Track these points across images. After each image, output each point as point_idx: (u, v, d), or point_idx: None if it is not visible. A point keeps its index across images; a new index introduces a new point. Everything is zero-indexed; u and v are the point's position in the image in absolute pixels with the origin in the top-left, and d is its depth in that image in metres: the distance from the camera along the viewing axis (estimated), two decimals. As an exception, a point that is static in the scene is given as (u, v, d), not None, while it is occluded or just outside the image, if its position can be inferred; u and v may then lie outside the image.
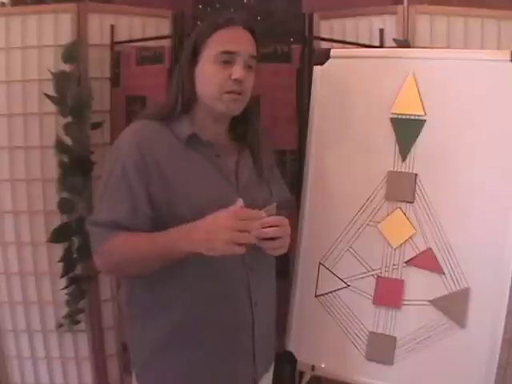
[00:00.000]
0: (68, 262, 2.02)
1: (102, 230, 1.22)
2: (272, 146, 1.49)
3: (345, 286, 1.54)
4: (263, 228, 1.19)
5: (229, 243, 1.11)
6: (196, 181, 1.25)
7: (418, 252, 1.45)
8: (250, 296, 1.30)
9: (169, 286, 1.25)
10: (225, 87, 1.23)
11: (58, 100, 1.95)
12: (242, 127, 1.35)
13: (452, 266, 1.41)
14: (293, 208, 1.56)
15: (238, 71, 1.23)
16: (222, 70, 1.23)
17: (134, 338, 1.36)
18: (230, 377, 1.31)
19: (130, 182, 1.21)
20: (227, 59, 1.23)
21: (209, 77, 1.25)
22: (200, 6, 2.73)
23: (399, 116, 1.47)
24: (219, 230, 1.12)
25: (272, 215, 1.22)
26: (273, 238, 1.21)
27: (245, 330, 1.31)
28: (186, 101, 1.27)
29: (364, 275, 1.51)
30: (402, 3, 2.00)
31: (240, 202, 1.18)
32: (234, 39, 1.24)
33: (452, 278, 1.42)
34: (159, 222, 1.23)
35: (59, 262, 2.02)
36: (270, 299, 1.40)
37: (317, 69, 1.59)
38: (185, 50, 1.31)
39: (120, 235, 1.21)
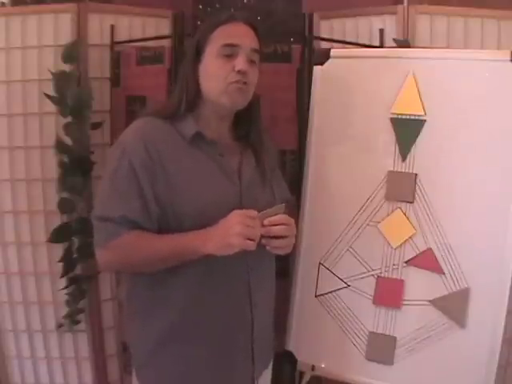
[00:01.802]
0: (68, 262, 2.02)
1: (113, 225, 1.21)
2: (275, 147, 1.50)
3: (345, 286, 1.54)
4: (271, 226, 1.21)
5: (242, 237, 1.15)
6: (199, 180, 1.25)
7: (417, 252, 1.45)
8: (250, 296, 1.30)
9: (169, 283, 1.25)
10: (229, 79, 1.24)
11: (58, 100, 1.95)
12: (244, 127, 1.35)
13: (452, 266, 1.42)
14: (293, 208, 1.56)
15: (240, 62, 1.23)
16: (225, 64, 1.24)
17: (133, 334, 1.36)
18: (228, 375, 1.31)
19: (139, 179, 1.20)
20: (229, 52, 1.24)
21: (213, 71, 1.25)
22: (200, 6, 2.73)
23: (399, 116, 1.47)
24: (232, 226, 1.16)
25: (279, 214, 1.24)
26: (279, 237, 1.23)
27: (244, 329, 1.31)
28: (190, 100, 1.28)
29: (364, 275, 1.51)
30: (401, 3, 2.00)
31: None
32: (236, 33, 1.25)
33: (452, 278, 1.42)
34: (162, 221, 1.23)
35: (59, 262, 2.02)
36: (270, 299, 1.40)
37: (317, 69, 1.59)
38: (188, 49, 1.32)
39: (132, 232, 1.21)
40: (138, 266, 1.26)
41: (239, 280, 1.28)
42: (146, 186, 1.21)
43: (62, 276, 2.03)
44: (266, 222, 1.22)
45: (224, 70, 1.24)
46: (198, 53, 1.28)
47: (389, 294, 1.48)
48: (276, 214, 1.23)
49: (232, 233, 1.15)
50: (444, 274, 1.42)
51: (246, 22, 1.28)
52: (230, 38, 1.24)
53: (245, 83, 1.25)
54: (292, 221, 1.27)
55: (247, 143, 1.35)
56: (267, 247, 1.25)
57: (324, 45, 1.92)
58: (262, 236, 1.22)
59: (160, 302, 1.27)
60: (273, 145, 1.46)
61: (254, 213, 1.19)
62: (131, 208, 1.21)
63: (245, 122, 1.35)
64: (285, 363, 1.64)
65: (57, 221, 2.03)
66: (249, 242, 1.16)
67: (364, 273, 1.51)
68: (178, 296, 1.26)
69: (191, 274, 1.24)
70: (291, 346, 1.62)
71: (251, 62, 1.26)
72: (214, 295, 1.26)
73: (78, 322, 2.09)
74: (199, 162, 1.26)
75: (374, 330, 1.50)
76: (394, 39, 1.90)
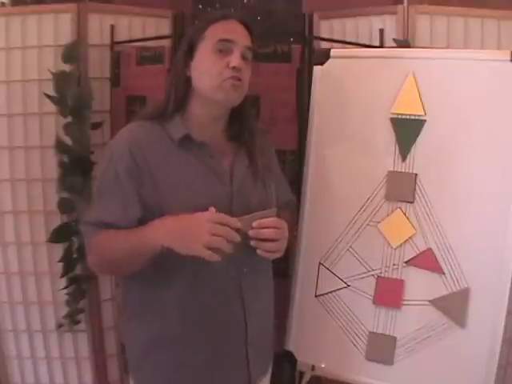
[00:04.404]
0: (68, 262, 2.02)
1: (91, 227, 1.24)
2: (272, 146, 1.49)
3: (345, 286, 1.54)
4: (260, 228, 1.20)
5: (203, 247, 1.10)
6: (188, 183, 1.24)
7: (418, 252, 1.45)
8: (242, 299, 1.29)
9: (161, 288, 1.25)
10: (224, 75, 1.23)
11: (58, 100, 1.95)
12: (237, 127, 1.34)
13: (452, 266, 1.41)
14: (295, 208, 1.56)
15: (235, 59, 1.22)
16: (219, 60, 1.23)
17: (128, 336, 1.37)
18: (221, 380, 1.30)
19: (122, 184, 1.21)
20: (224, 47, 1.23)
21: (207, 67, 1.25)
22: (200, 6, 2.73)
23: (399, 116, 1.47)
24: (201, 233, 1.11)
25: (270, 217, 1.23)
26: (269, 240, 1.22)
27: (237, 333, 1.30)
28: (179, 98, 1.27)
29: (364, 275, 1.51)
30: (401, 3, 2.00)
31: (212, 209, 1.17)
32: (230, 29, 1.25)
33: (452, 278, 1.42)
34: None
35: (59, 262, 2.02)
36: (266, 302, 1.39)
37: (317, 69, 1.59)
38: (180, 47, 1.31)
39: (103, 232, 1.22)
40: (115, 264, 1.25)
41: (230, 284, 1.27)
42: (130, 191, 1.21)
43: (62, 276, 2.03)
44: (255, 224, 1.20)
45: (218, 65, 1.23)
46: (191, 50, 1.27)
47: (389, 293, 1.48)
48: (267, 218, 1.22)
49: (195, 239, 1.11)
50: (444, 274, 1.42)
51: (240, 20, 1.27)
52: (226, 34, 1.24)
53: (239, 80, 1.24)
54: (283, 224, 1.25)
55: (240, 143, 1.34)
56: (257, 251, 1.22)
57: (324, 45, 1.93)
58: (252, 238, 1.21)
59: (151, 307, 1.27)
60: (269, 144, 1.44)
61: (226, 219, 1.14)
62: (109, 212, 1.22)
63: (237, 121, 1.34)
64: (285, 363, 1.64)
65: (57, 221, 2.04)
66: (213, 254, 1.11)
67: (364, 273, 1.51)
68: (168, 301, 1.25)
69: (181, 279, 1.24)
70: (291, 346, 1.62)
71: (245, 59, 1.26)
72: (205, 300, 1.25)
73: (77, 322, 2.09)
74: (188, 164, 1.25)
75: (374, 330, 1.50)
76: (394, 39, 1.90)
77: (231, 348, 1.30)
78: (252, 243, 1.21)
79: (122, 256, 1.22)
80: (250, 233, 1.20)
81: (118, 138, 1.27)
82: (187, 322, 1.26)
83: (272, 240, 1.22)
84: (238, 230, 1.15)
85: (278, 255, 1.26)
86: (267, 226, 1.21)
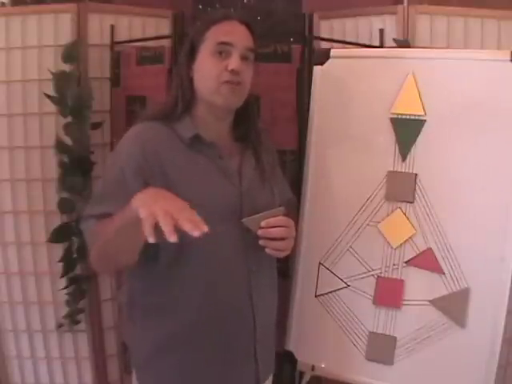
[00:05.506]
0: (68, 261, 2.02)
1: (91, 221, 1.19)
2: (273, 145, 1.49)
3: (345, 285, 1.54)
4: (269, 228, 1.21)
5: (149, 217, 0.93)
6: (199, 183, 1.24)
7: (418, 252, 1.45)
8: (251, 297, 1.29)
9: (170, 287, 1.25)
10: (222, 78, 1.23)
11: (58, 100, 1.95)
12: (243, 127, 1.35)
13: (452, 266, 1.42)
14: (295, 207, 1.56)
15: (233, 62, 1.22)
16: (218, 63, 1.23)
17: (134, 338, 1.36)
18: (231, 379, 1.30)
19: (127, 182, 1.18)
20: (223, 50, 1.23)
21: (206, 70, 1.25)
22: (200, 6, 2.73)
23: (399, 116, 1.47)
24: (159, 200, 0.97)
25: (278, 216, 1.25)
26: (278, 239, 1.24)
27: (246, 331, 1.30)
28: (186, 99, 1.27)
29: (364, 275, 1.51)
30: (401, 3, 2.00)
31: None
32: (230, 31, 1.25)
33: (452, 278, 1.42)
34: None
35: (59, 262, 2.02)
36: (271, 300, 1.39)
37: (317, 69, 1.59)
38: (183, 48, 1.31)
39: (100, 222, 1.15)
40: (108, 252, 1.15)
41: (240, 282, 1.28)
42: (135, 190, 1.10)
43: (62, 276, 2.03)
44: (263, 223, 1.22)
45: (217, 68, 1.23)
46: (193, 51, 1.27)
47: (389, 293, 1.48)
48: (275, 217, 1.24)
49: (151, 206, 0.95)
50: (444, 274, 1.42)
51: (241, 20, 1.27)
52: (225, 36, 1.24)
53: (238, 83, 1.23)
54: (291, 223, 1.27)
55: (247, 143, 1.34)
56: (266, 249, 1.24)
57: (324, 45, 1.92)
58: (261, 238, 1.23)
59: (161, 307, 1.26)
60: (271, 143, 1.45)
61: (194, 217, 0.95)
62: (112, 206, 1.14)
63: (243, 122, 1.34)
64: (285, 363, 1.64)
65: (57, 221, 2.04)
66: (149, 229, 0.92)
67: (364, 273, 1.51)
68: (178, 301, 1.25)
69: (191, 278, 1.23)
70: (291, 346, 1.62)
71: (245, 60, 1.25)
72: (215, 299, 1.25)
73: (77, 322, 2.09)
74: (198, 164, 1.25)
75: (374, 330, 1.50)
76: (394, 39, 1.90)
77: (241, 345, 1.30)
78: (261, 242, 1.23)
79: (112, 238, 1.10)
80: (259, 232, 1.22)
81: (127, 139, 1.25)
82: (199, 320, 1.25)
83: (281, 238, 1.24)
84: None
85: (285, 253, 1.28)
86: (275, 224, 1.23)
